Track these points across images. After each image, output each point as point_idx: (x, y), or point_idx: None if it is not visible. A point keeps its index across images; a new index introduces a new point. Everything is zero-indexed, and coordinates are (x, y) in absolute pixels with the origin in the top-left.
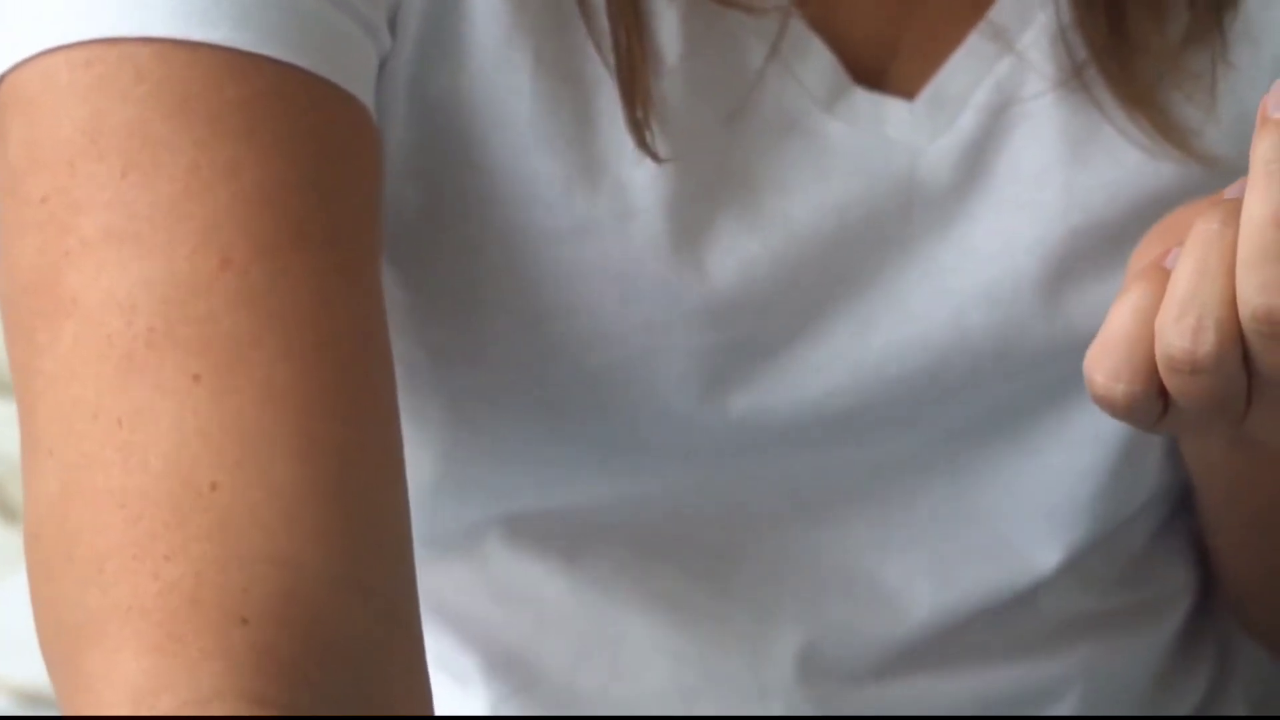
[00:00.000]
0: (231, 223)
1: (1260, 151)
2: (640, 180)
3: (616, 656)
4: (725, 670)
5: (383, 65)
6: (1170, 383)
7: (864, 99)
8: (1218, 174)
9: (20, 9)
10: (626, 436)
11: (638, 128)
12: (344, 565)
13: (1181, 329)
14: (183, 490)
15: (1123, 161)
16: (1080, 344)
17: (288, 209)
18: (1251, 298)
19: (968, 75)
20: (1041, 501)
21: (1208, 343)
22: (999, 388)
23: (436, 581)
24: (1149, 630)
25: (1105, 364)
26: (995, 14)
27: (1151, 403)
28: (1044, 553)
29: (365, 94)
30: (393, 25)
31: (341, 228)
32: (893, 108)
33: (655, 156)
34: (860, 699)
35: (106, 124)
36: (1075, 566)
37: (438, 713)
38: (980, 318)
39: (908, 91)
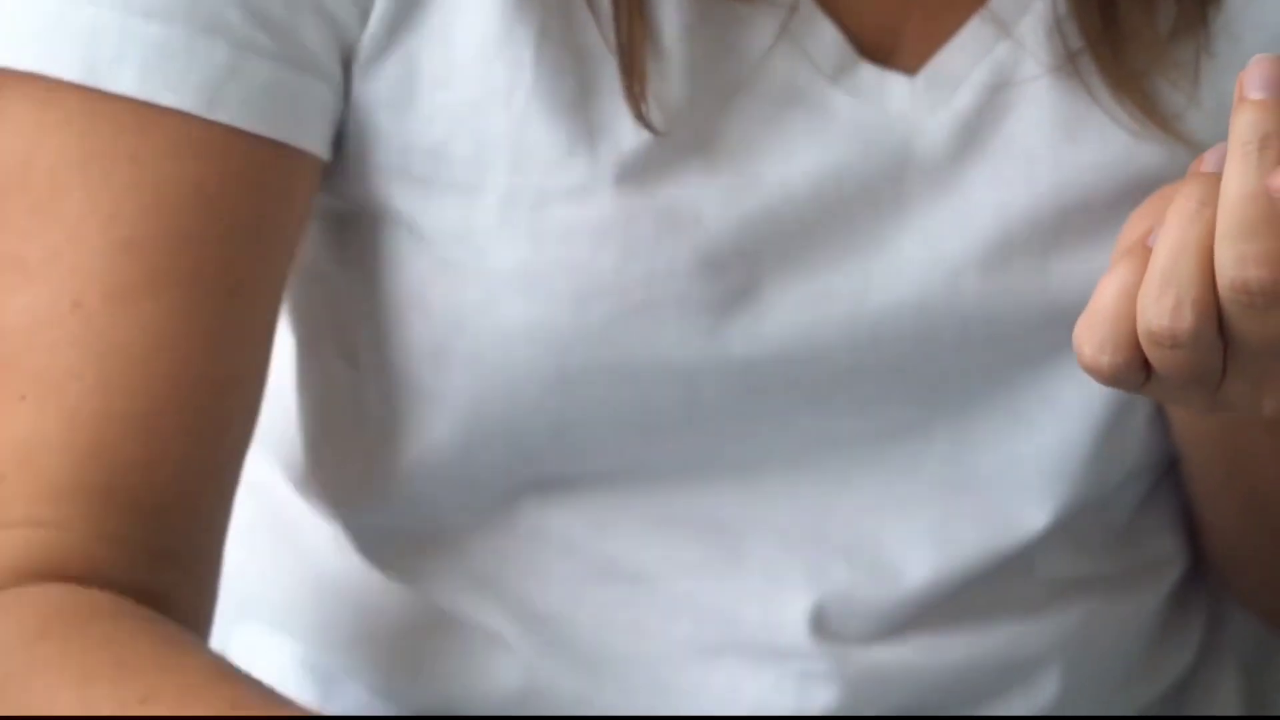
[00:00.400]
0: (95, 269)
1: (1237, 130)
2: (641, 144)
3: (640, 618)
4: (742, 632)
5: (371, 69)
6: (1151, 355)
7: (868, 72)
8: (1198, 155)
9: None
10: (633, 394)
11: (635, 101)
12: (95, 525)
13: (1161, 308)
14: None
15: (1111, 142)
16: (1068, 315)
17: (148, 259)
18: (1228, 270)
19: (967, 56)
20: (1034, 468)
21: (1186, 319)
22: (989, 353)
23: (474, 546)
24: (1140, 595)
25: (1092, 337)
26: (995, 3)
27: (1135, 373)
28: (1035, 515)
29: (290, 133)
30: (351, 53)
31: (204, 273)
32: (894, 82)
33: (652, 129)
34: (867, 659)
35: (35, 162)
36: (1067, 532)
37: (477, 669)
38: (973, 283)
39: (909, 69)
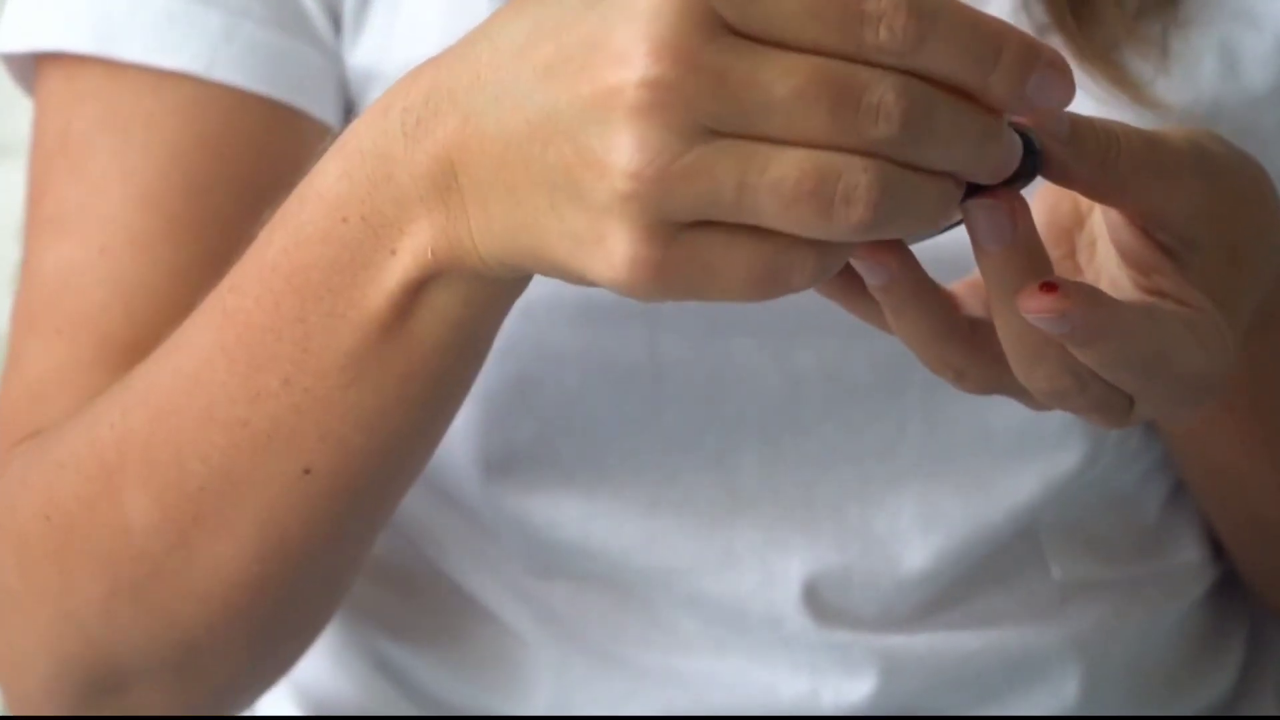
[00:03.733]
0: (119, 219)
1: (987, 280)
2: None
3: (648, 616)
4: (747, 623)
5: (356, 38)
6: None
7: None
8: (1166, 120)
9: (32, 8)
10: (595, 338)
11: None
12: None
13: (1037, 379)
14: (1, 412)
15: (1076, 110)
16: None
17: (165, 209)
18: (1033, 387)
19: None
20: (1012, 437)
21: (1066, 379)
22: None
23: (490, 555)
24: (1165, 602)
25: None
26: None
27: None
28: (1020, 482)
29: (289, 93)
30: (339, 20)
31: (218, 221)
32: None
33: None
34: (880, 649)
35: (71, 131)
36: (1086, 531)
37: (503, 665)
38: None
39: None
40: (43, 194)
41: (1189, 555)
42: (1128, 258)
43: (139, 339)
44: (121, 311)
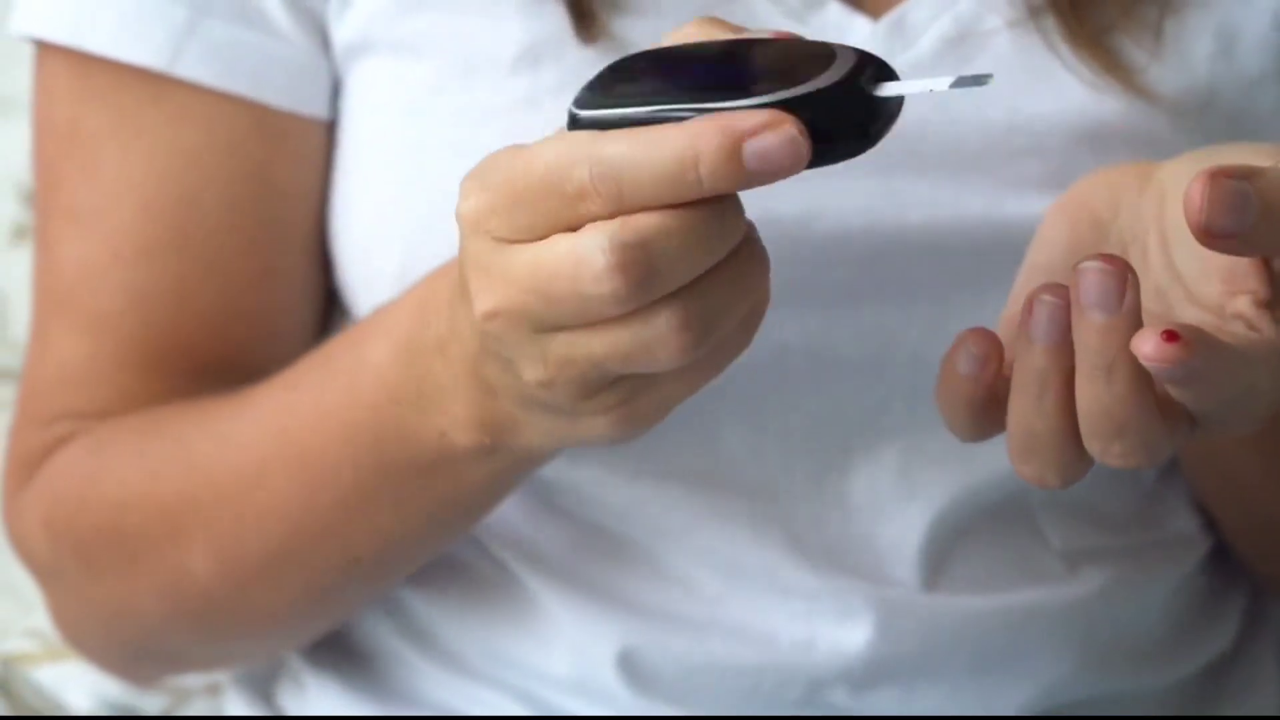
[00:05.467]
0: (127, 228)
1: (1081, 351)
2: (585, 59)
3: (650, 564)
4: (743, 574)
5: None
6: None
7: (835, 11)
8: (1157, 109)
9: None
10: None
11: (586, 26)
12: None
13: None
14: (30, 386)
15: (1068, 94)
16: (1017, 245)
17: (167, 220)
18: (1100, 458)
19: (931, 7)
20: None
21: (1133, 456)
22: (935, 285)
23: (528, 527)
24: (1163, 570)
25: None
26: None
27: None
28: (1001, 455)
29: (268, 93)
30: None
31: (221, 229)
32: (858, 24)
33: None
34: (877, 599)
35: (81, 126)
36: (1076, 501)
37: (512, 606)
38: (921, 215)
39: (877, 16)
40: (57, 181)
41: (1186, 523)
42: (1225, 279)
43: (154, 342)
44: (139, 319)
